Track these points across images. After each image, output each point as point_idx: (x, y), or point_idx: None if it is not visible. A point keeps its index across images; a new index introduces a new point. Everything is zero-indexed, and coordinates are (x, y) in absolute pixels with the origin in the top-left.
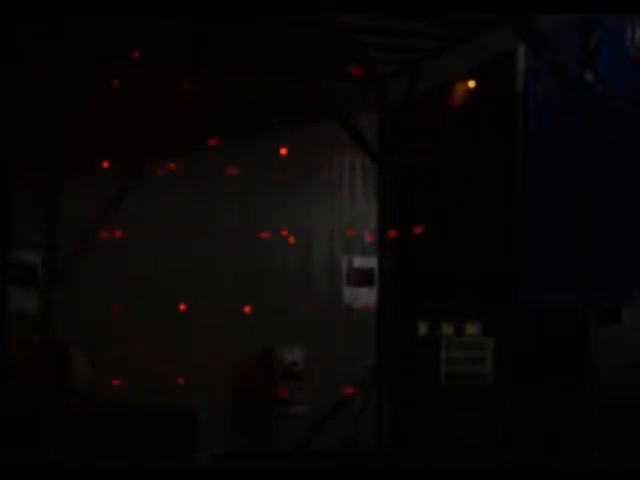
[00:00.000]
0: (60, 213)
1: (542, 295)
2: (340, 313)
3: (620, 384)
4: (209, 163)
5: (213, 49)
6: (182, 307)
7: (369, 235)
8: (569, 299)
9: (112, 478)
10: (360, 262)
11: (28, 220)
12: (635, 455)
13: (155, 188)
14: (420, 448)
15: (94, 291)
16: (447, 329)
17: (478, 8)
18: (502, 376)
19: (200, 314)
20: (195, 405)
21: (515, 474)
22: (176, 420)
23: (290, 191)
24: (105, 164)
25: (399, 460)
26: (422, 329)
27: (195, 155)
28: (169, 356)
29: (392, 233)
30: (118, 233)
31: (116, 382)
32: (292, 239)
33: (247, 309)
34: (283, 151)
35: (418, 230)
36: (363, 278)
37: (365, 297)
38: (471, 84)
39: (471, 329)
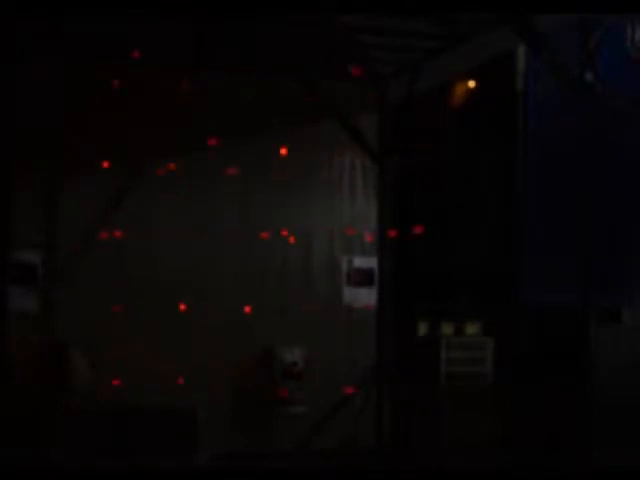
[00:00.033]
0: (60, 213)
1: (542, 295)
2: (340, 313)
3: (620, 384)
4: (209, 163)
5: (213, 49)
6: (182, 307)
7: (369, 235)
8: (569, 299)
9: (112, 478)
10: (360, 262)
11: (28, 220)
12: (635, 455)
13: (155, 188)
14: (420, 448)
15: (94, 291)
16: (447, 329)
17: (478, 8)
18: (502, 376)
19: (200, 314)
20: (195, 405)
21: (515, 474)
22: (176, 420)
23: (290, 191)
24: (105, 164)
25: (399, 460)
26: (422, 329)
27: (195, 155)
28: (169, 356)
29: (392, 233)
30: (118, 233)
31: (116, 382)
32: (292, 239)
33: (247, 309)
34: (283, 151)
35: (418, 230)
36: (363, 278)
37: (365, 297)
38: (471, 84)
39: (471, 329)
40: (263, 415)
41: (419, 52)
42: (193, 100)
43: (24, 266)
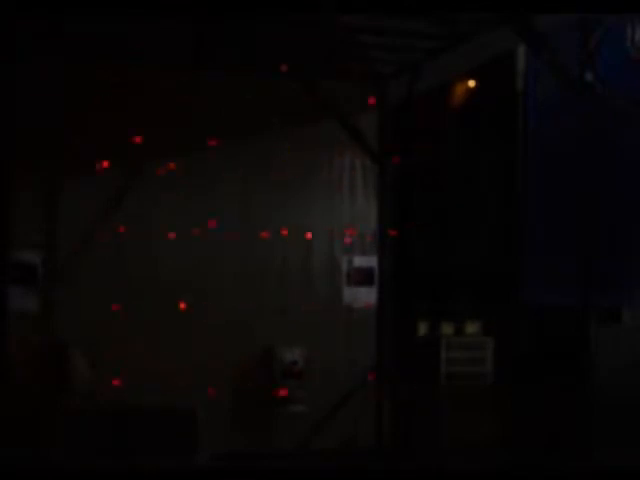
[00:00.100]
0: (60, 213)
1: (542, 295)
2: (340, 313)
3: (620, 384)
4: (209, 163)
5: (213, 49)
6: (182, 307)
7: (369, 235)
8: (569, 299)
9: (112, 478)
10: (360, 262)
11: (28, 220)
12: (635, 455)
13: (155, 188)
14: (420, 448)
15: (94, 291)
16: (447, 329)
17: (478, 8)
18: (502, 376)
19: (200, 314)
20: (195, 405)
21: (515, 474)
22: (176, 420)
23: (290, 191)
24: (105, 164)
25: (399, 460)
26: (422, 329)
27: (195, 155)
28: (169, 356)
29: (392, 233)
30: (119, 231)
31: (116, 382)
32: (292, 239)
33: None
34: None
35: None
36: (363, 278)
37: (365, 297)
38: (471, 84)
39: (471, 329)
40: (263, 415)
41: (419, 52)
42: (193, 100)
43: (24, 266)
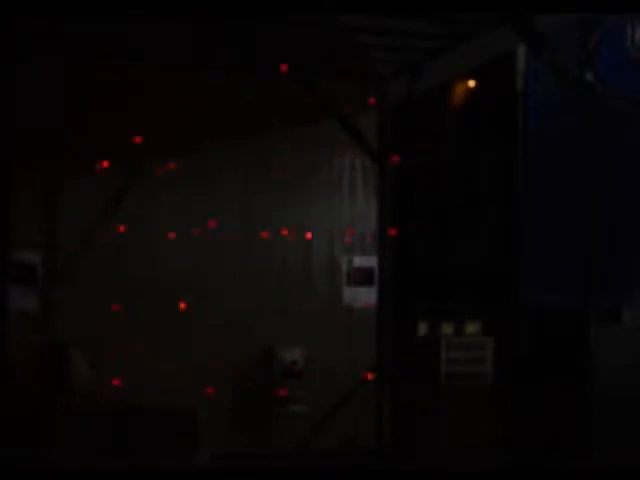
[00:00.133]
0: (60, 213)
1: (542, 295)
2: (340, 313)
3: (620, 384)
4: (209, 163)
5: (213, 49)
6: (182, 307)
7: (369, 235)
8: (569, 299)
9: (112, 478)
10: (360, 262)
11: (28, 220)
12: (635, 455)
13: (155, 188)
14: (420, 448)
15: (94, 291)
16: (447, 329)
17: (478, 8)
18: (502, 376)
19: (200, 314)
20: (195, 405)
21: (515, 474)
22: (176, 420)
23: (290, 191)
24: (105, 164)
25: (399, 460)
26: (422, 329)
27: (195, 155)
28: (169, 356)
29: (392, 233)
30: (119, 231)
31: (116, 382)
32: (292, 239)
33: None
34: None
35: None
36: (363, 278)
37: (365, 297)
38: (471, 84)
39: (471, 329)
40: (263, 415)
41: (419, 52)
42: (193, 100)
43: (24, 266)
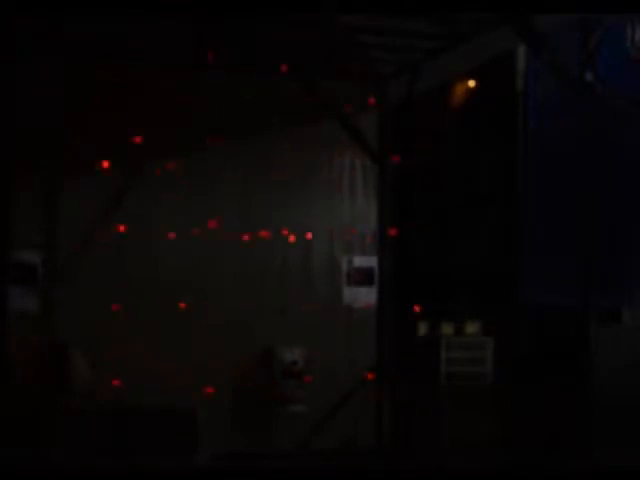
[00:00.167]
0: (60, 213)
1: (542, 295)
2: (340, 313)
3: (620, 384)
4: (209, 163)
5: (213, 49)
6: (182, 307)
7: (369, 235)
8: (569, 299)
9: (112, 478)
10: (360, 262)
11: (28, 220)
12: (635, 455)
13: (155, 188)
14: (420, 448)
15: (94, 291)
16: (447, 329)
17: (478, 8)
18: (502, 376)
19: (200, 314)
20: (195, 405)
21: (515, 474)
22: (176, 420)
23: (290, 191)
24: (105, 164)
25: (399, 460)
26: (422, 329)
27: (195, 155)
28: (169, 356)
29: (392, 233)
30: (119, 230)
31: (116, 382)
32: (292, 239)
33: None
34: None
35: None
36: (363, 278)
37: (365, 297)
38: (471, 84)
39: (471, 329)
40: (263, 415)
41: (419, 52)
42: (193, 100)
43: (24, 266)
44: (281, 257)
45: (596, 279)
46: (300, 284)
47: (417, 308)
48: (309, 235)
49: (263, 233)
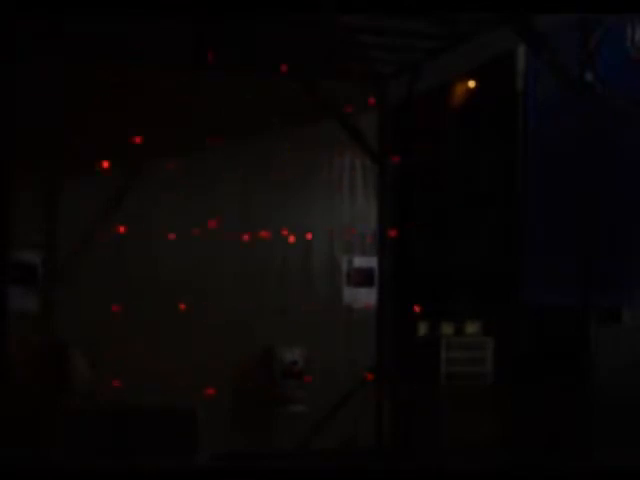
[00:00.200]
0: (60, 213)
1: (542, 295)
2: (340, 313)
3: (620, 384)
4: (209, 163)
5: (213, 49)
6: (182, 307)
7: (369, 235)
8: (569, 299)
9: (112, 478)
10: (360, 262)
11: (28, 220)
12: (635, 455)
13: (155, 188)
14: (420, 448)
15: (94, 291)
16: (447, 329)
17: (478, 8)
18: (502, 376)
19: (200, 314)
20: (195, 405)
21: (515, 474)
22: (176, 420)
23: (290, 191)
24: (105, 164)
25: (399, 460)
26: (422, 329)
27: (195, 155)
28: (169, 356)
29: (392, 233)
30: (119, 231)
31: (116, 382)
32: (292, 239)
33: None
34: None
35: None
36: (363, 278)
37: (365, 298)
38: (471, 84)
39: (471, 329)
40: (263, 415)
41: (419, 52)
42: (193, 100)
43: (24, 266)
44: (281, 257)
45: (596, 279)
46: (300, 284)
47: (417, 308)
48: (309, 235)
49: (263, 233)
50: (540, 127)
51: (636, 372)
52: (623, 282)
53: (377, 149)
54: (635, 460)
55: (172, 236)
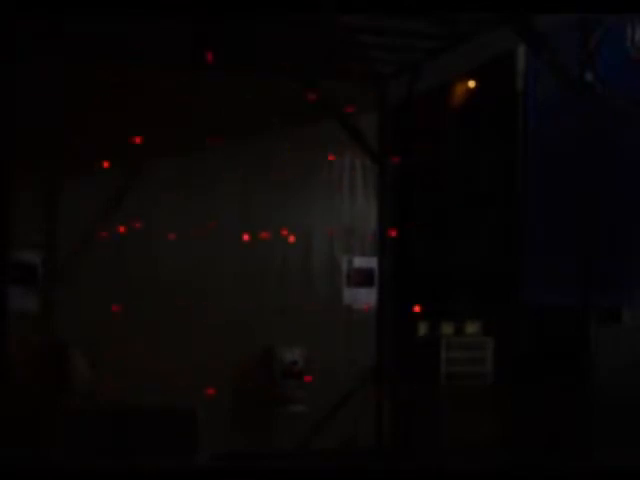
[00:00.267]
0: (60, 213)
1: (542, 295)
2: (340, 313)
3: (620, 384)
4: (209, 163)
5: (213, 49)
6: (182, 307)
7: (369, 235)
8: (569, 299)
9: (112, 478)
10: (360, 262)
11: (28, 220)
12: (635, 455)
13: (155, 188)
14: (420, 448)
15: (94, 291)
16: (447, 329)
17: (478, 8)
18: (502, 376)
19: (200, 314)
20: (195, 405)
21: (515, 474)
22: (176, 420)
23: (290, 191)
24: (105, 164)
25: (399, 460)
26: (422, 329)
27: (195, 155)
28: (169, 356)
29: (392, 233)
30: (120, 230)
31: (116, 382)
32: (292, 239)
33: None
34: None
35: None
36: (363, 278)
37: (365, 298)
38: (471, 84)
39: (471, 329)
40: (263, 415)
41: (419, 52)
42: (193, 100)
43: (24, 266)
44: (281, 257)
45: (596, 279)
46: (300, 284)
47: (417, 308)
48: (309, 235)
49: (263, 233)
50: (540, 127)
51: (636, 372)
52: (623, 282)
53: (377, 149)
54: (635, 460)
55: (172, 236)
